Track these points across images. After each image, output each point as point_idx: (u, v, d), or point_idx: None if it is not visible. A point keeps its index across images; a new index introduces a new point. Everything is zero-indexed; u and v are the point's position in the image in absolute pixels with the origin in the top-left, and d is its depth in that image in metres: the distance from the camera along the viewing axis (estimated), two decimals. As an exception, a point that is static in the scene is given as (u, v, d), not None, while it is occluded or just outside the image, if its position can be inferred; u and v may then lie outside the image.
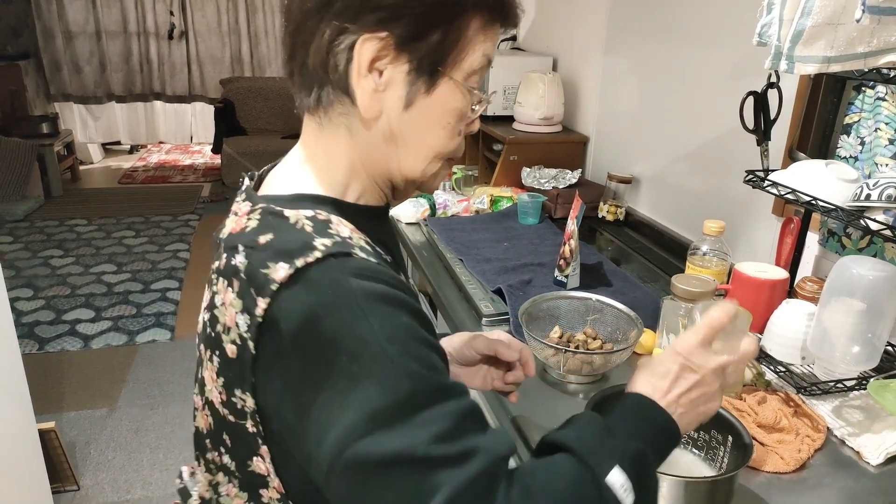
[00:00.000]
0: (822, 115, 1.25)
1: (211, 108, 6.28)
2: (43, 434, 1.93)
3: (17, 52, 5.70)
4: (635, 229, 1.93)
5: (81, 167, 5.99)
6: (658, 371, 0.64)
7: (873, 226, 0.94)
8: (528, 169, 2.12)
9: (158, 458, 2.38)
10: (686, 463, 0.90)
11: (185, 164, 6.32)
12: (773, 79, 1.12)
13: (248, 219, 0.61)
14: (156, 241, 4.34)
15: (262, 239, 0.57)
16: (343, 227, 0.60)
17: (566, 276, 1.47)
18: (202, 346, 0.64)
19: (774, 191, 1.14)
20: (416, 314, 0.57)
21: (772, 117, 1.19)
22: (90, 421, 2.56)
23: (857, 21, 0.83)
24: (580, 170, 2.09)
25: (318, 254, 0.55)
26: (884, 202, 0.94)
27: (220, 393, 0.61)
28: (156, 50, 6.20)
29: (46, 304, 3.45)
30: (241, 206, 0.64)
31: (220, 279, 0.60)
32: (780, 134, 1.35)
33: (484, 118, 2.40)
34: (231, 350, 0.58)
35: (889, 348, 1.11)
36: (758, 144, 1.21)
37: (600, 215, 1.98)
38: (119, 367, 2.91)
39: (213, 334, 0.61)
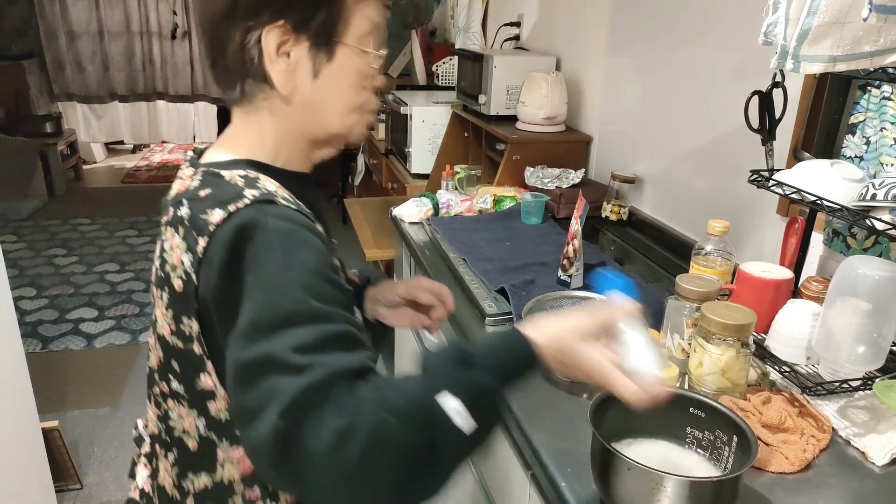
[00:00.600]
0: (827, 115, 1.24)
1: (213, 108, 6.29)
2: (46, 433, 1.93)
3: (21, 51, 5.72)
4: (638, 229, 1.93)
5: (84, 166, 6.00)
6: (572, 348, 0.71)
7: (879, 226, 0.94)
8: (532, 168, 2.12)
9: (161, 457, 2.39)
10: (690, 463, 0.90)
11: (187, 163, 6.34)
12: (779, 78, 1.12)
13: (192, 180, 0.74)
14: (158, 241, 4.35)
15: (203, 193, 0.70)
16: (269, 184, 0.72)
17: (570, 276, 1.46)
18: (154, 289, 0.76)
19: (779, 190, 1.13)
20: (319, 253, 0.67)
21: (777, 117, 1.18)
22: (93, 420, 2.56)
23: (864, 20, 0.83)
24: (583, 169, 2.09)
25: (246, 200, 0.67)
26: (890, 202, 0.93)
27: (169, 324, 0.73)
28: (158, 49, 6.21)
29: (50, 303, 3.46)
30: (185, 171, 0.78)
31: (169, 228, 0.72)
32: (785, 134, 1.35)
33: (487, 118, 2.41)
34: (178, 284, 0.70)
35: (895, 348, 1.10)
36: (762, 144, 1.21)
37: (603, 215, 1.98)
38: (122, 366, 2.92)
39: (163, 275, 0.72)
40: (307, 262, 0.65)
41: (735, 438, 0.85)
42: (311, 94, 0.75)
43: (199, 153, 0.81)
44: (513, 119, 2.34)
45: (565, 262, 1.47)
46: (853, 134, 1.20)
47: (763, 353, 1.13)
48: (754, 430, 0.87)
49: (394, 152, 3.10)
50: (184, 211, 0.70)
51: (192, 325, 0.70)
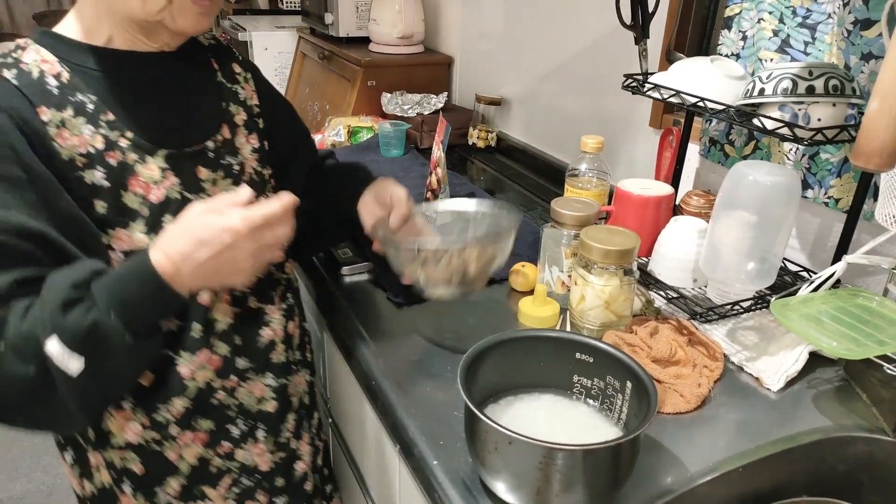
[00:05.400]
0: (700, 10, 1.12)
1: None
2: None
3: None
4: (508, 155, 1.78)
5: None
6: (200, 235, 0.64)
7: (769, 124, 0.82)
8: (389, 95, 1.89)
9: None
10: (580, 417, 0.77)
11: None
12: (651, -37, 0.97)
13: None
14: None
15: None
16: (32, 55, 0.72)
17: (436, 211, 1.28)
18: None
19: (656, 95, 1.00)
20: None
21: (650, 10, 1.04)
22: None
23: None
24: (446, 93, 1.89)
25: None
26: (780, 96, 0.82)
27: None
28: (-54, -20, 5.19)
29: None
30: None
31: None
32: (657, 35, 1.22)
33: (336, 40, 2.13)
34: None
35: (784, 263, 1.03)
36: (636, 43, 1.06)
37: (470, 142, 1.81)
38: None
39: None
40: None
41: (629, 385, 0.72)
42: None
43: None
44: (366, 41, 2.09)
45: (429, 194, 1.29)
46: (729, 29, 1.08)
47: (647, 279, 1.02)
48: (645, 367, 0.76)
49: (238, 88, 2.74)
50: None
51: None
